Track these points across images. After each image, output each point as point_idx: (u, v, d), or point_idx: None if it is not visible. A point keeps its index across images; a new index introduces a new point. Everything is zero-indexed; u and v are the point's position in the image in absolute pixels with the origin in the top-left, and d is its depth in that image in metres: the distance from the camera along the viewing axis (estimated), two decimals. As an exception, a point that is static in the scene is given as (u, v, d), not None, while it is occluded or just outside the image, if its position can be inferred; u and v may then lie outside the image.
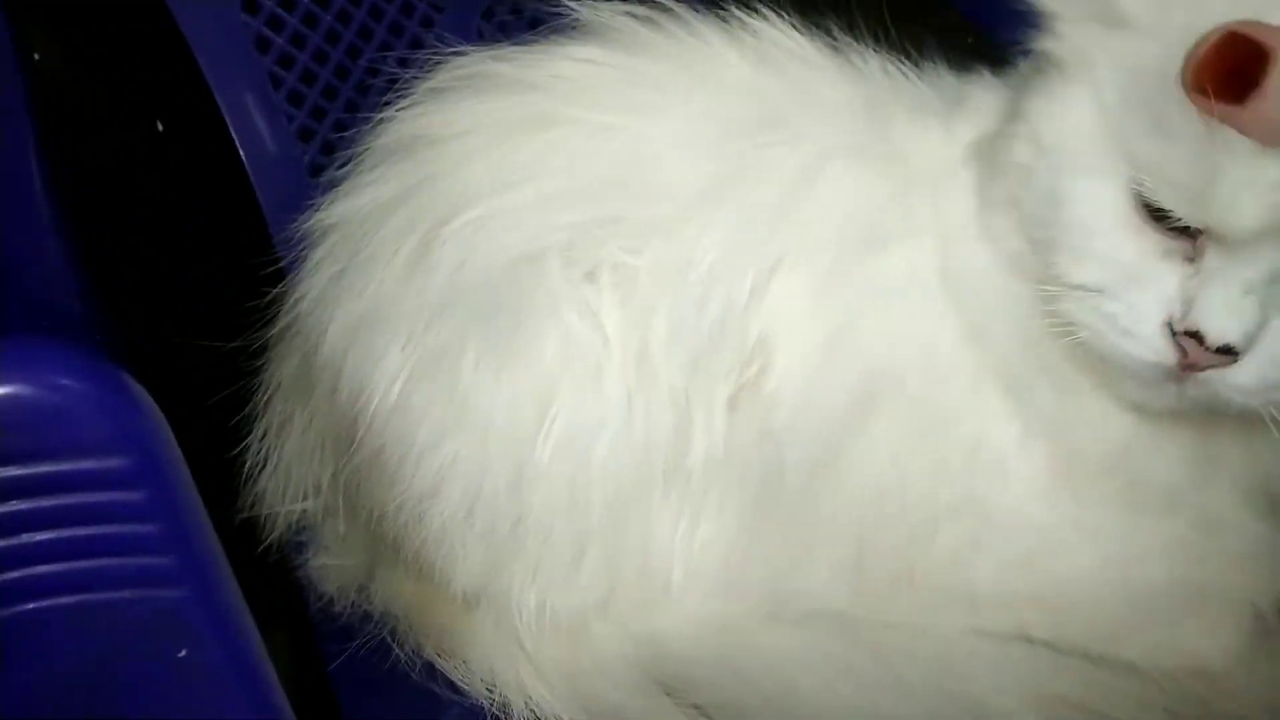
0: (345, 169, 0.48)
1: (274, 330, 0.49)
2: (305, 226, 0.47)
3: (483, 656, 0.44)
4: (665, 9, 0.45)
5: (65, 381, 0.23)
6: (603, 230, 0.40)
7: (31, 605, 0.24)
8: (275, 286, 0.50)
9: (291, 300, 0.48)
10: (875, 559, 0.40)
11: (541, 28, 0.64)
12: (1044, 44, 0.37)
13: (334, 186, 0.48)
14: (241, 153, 0.57)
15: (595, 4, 0.46)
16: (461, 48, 0.58)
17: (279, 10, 0.58)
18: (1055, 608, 0.39)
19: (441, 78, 0.47)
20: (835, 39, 0.46)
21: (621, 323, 0.40)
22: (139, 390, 0.25)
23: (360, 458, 0.43)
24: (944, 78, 0.45)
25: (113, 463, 0.24)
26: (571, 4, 0.47)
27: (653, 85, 0.44)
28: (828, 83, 0.44)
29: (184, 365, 0.56)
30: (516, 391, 0.40)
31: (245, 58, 0.57)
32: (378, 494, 0.43)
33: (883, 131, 0.42)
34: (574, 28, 0.47)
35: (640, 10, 0.45)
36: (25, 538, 0.23)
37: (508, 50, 0.47)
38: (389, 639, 0.44)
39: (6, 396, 0.23)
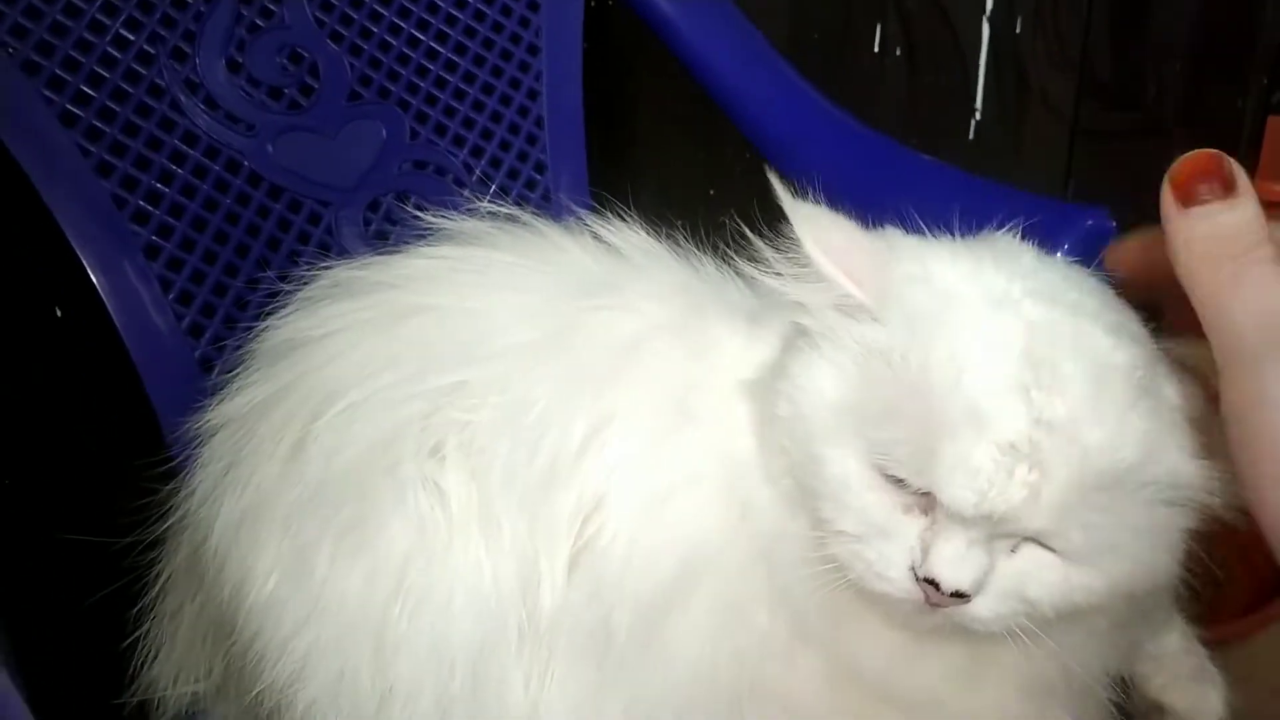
0: (231, 372, 0.52)
1: (167, 524, 0.53)
2: (196, 425, 0.51)
3: None
4: (513, 218, 0.51)
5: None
6: (449, 398, 0.44)
7: None
8: (168, 482, 0.53)
9: (183, 495, 0.51)
10: None
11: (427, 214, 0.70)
12: (796, 317, 0.41)
13: (221, 388, 0.52)
14: (130, 349, 0.60)
15: (452, 214, 0.52)
16: (344, 245, 0.64)
17: (167, 218, 0.63)
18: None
19: (310, 288, 0.52)
20: (678, 243, 0.51)
21: (465, 483, 0.44)
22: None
23: (238, 646, 0.47)
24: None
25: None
26: (430, 217, 0.52)
27: (498, 270, 0.49)
28: (659, 268, 0.49)
29: (75, 560, 0.59)
30: (371, 574, 0.43)
31: (132, 259, 0.61)
32: (254, 681, 0.46)
33: (701, 324, 0.47)
34: (432, 234, 0.52)
35: (491, 218, 0.51)
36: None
37: (367, 259, 0.52)
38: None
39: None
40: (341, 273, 0.52)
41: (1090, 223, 0.61)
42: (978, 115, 1.21)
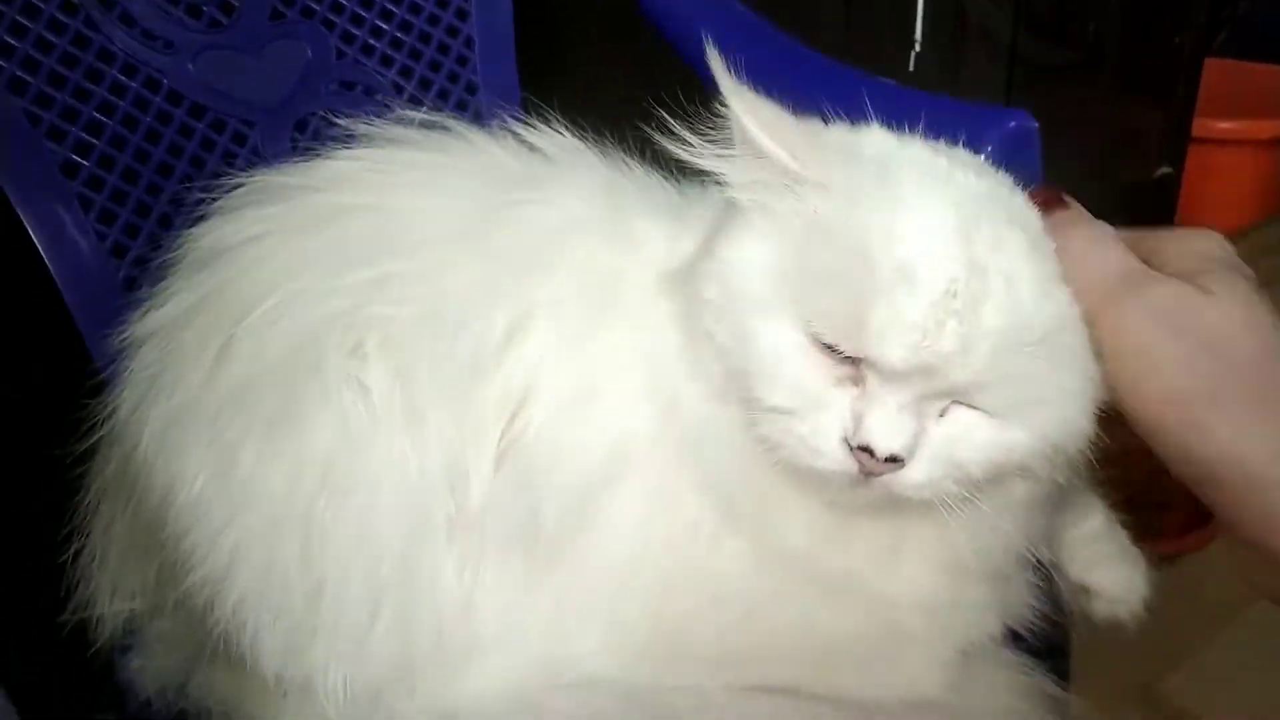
0: (155, 285, 0.52)
1: (95, 438, 0.52)
2: (120, 339, 0.51)
3: None
4: (435, 123, 0.51)
5: None
6: (369, 293, 0.45)
7: None
8: (94, 398, 0.53)
9: (110, 407, 0.51)
10: (627, 625, 0.45)
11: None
12: (725, 193, 0.42)
13: (144, 301, 0.51)
14: (54, 271, 0.59)
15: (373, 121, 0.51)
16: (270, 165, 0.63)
17: (85, 136, 0.61)
18: (770, 660, 0.45)
19: (230, 196, 0.51)
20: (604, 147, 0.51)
21: (388, 378, 0.44)
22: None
23: (169, 552, 0.46)
24: (684, 185, 0.50)
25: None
26: (355, 122, 0.51)
27: (418, 170, 0.49)
28: (584, 166, 0.49)
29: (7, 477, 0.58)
30: (296, 469, 0.43)
31: (50, 177, 0.60)
32: (184, 583, 0.46)
33: (625, 219, 0.47)
34: (351, 138, 0.51)
35: (412, 123, 0.51)
36: None
37: (287, 165, 0.51)
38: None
39: None
40: (261, 179, 0.51)
41: (1013, 124, 0.61)
42: (917, 47, 1.21)
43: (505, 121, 0.51)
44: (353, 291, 0.45)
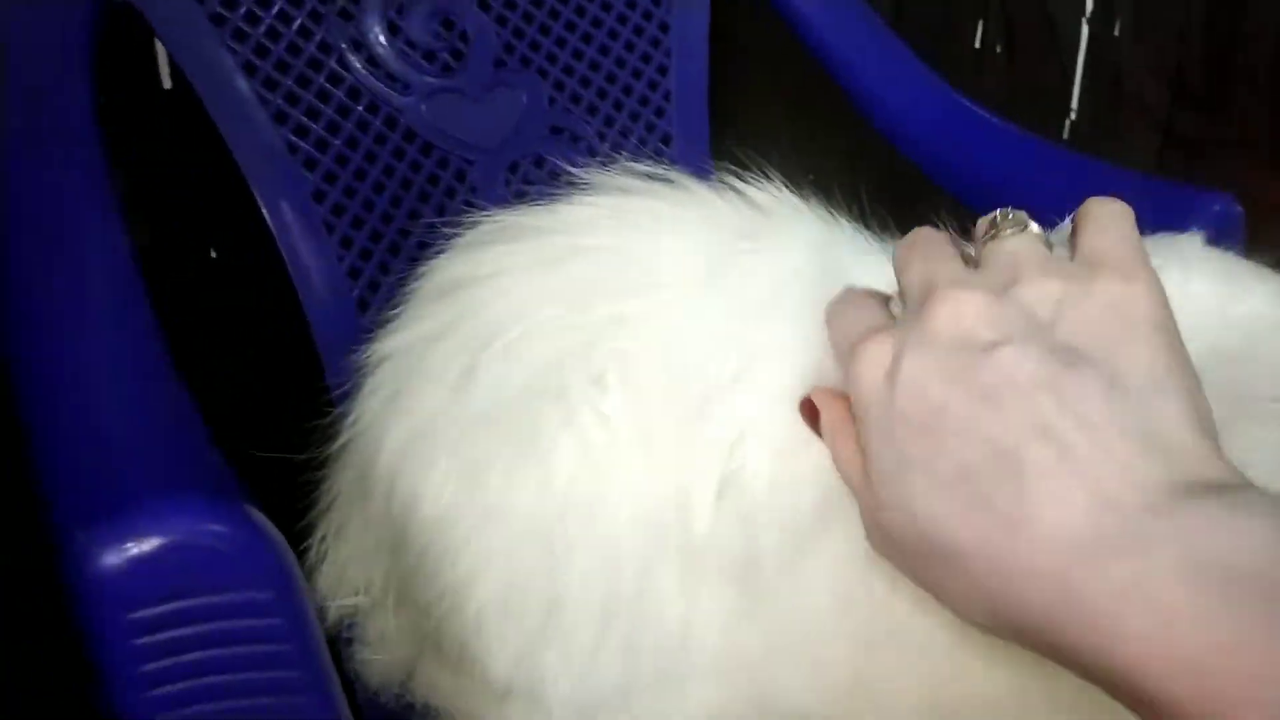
0: (394, 309, 0.56)
1: (334, 446, 0.56)
2: (361, 357, 0.55)
3: None
4: (659, 175, 0.54)
5: (218, 529, 0.30)
6: (611, 328, 0.47)
7: (189, 710, 0.30)
8: (331, 409, 0.57)
9: (350, 420, 0.55)
10: (832, 668, 0.46)
11: (561, 178, 0.74)
12: None
13: (384, 323, 0.56)
14: (299, 290, 0.64)
15: (604, 170, 0.55)
16: (485, 202, 0.67)
17: (333, 166, 0.67)
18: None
19: (472, 232, 0.55)
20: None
21: (626, 407, 0.46)
22: (273, 531, 0.32)
23: (408, 558, 0.50)
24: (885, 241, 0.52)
25: (254, 594, 0.31)
26: (578, 171, 0.55)
27: (651, 216, 0.52)
28: (798, 220, 0.51)
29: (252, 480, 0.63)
30: (541, 488, 0.46)
31: (303, 202, 0.65)
32: (423, 589, 0.49)
33: (841, 271, 0.49)
34: (583, 186, 0.55)
35: (635, 172, 0.54)
36: (189, 656, 0.30)
37: (525, 207, 0.55)
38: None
39: (171, 544, 0.30)
40: (502, 219, 0.55)
41: (1218, 208, 0.62)
42: (1073, 115, 1.22)
43: (715, 175, 0.54)
44: (593, 327, 0.48)
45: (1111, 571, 0.29)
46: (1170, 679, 0.27)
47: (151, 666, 0.29)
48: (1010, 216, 0.39)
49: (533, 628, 0.47)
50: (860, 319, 0.41)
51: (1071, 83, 1.21)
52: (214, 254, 0.79)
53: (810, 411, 0.43)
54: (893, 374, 0.35)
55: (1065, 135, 1.24)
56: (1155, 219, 0.45)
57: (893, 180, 0.78)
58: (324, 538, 0.57)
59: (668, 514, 0.46)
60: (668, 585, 0.47)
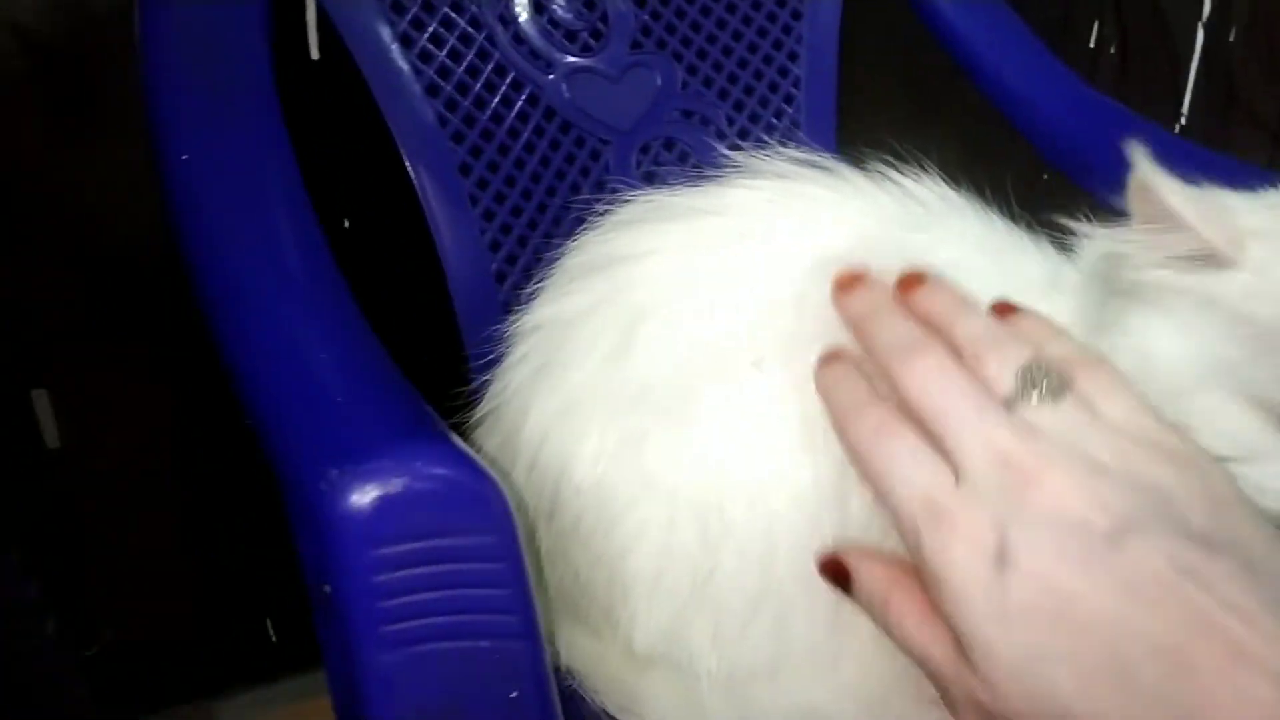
0: (537, 282, 0.57)
1: (477, 414, 0.57)
2: (506, 327, 0.56)
3: (658, 714, 0.50)
4: (815, 162, 0.54)
5: (458, 475, 0.31)
6: (770, 312, 0.48)
7: (416, 649, 0.31)
8: (471, 377, 0.58)
9: (496, 388, 0.56)
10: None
11: (689, 161, 0.75)
12: (1131, 274, 0.42)
13: (529, 295, 0.56)
14: (444, 260, 0.66)
15: (750, 151, 0.55)
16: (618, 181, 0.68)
17: (479, 141, 0.68)
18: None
19: (625, 210, 0.56)
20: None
21: (788, 390, 0.46)
22: (498, 481, 0.33)
23: (557, 524, 0.50)
24: (1045, 247, 0.52)
25: (482, 539, 0.32)
26: (728, 153, 0.55)
27: (810, 202, 0.52)
28: (957, 214, 0.52)
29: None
30: (699, 463, 0.47)
31: (450, 175, 0.67)
32: (573, 557, 0.50)
33: (1003, 266, 0.50)
34: (732, 168, 0.55)
35: (790, 157, 0.54)
36: (418, 596, 0.31)
37: (679, 188, 0.55)
38: (579, 690, 0.51)
39: (416, 488, 0.31)
40: (656, 198, 0.55)
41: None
42: (1183, 120, 1.20)
43: (870, 163, 0.54)
44: (753, 309, 0.49)
45: None
46: None
47: (389, 603, 0.30)
48: (1047, 374, 0.38)
49: (682, 602, 0.48)
50: (899, 443, 0.38)
51: (1184, 87, 1.19)
52: (347, 224, 0.81)
53: (833, 571, 0.41)
54: (1003, 560, 0.33)
55: (1173, 141, 1.22)
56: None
57: (1018, 176, 0.78)
58: None
59: (826, 501, 0.46)
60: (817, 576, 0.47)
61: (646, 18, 0.75)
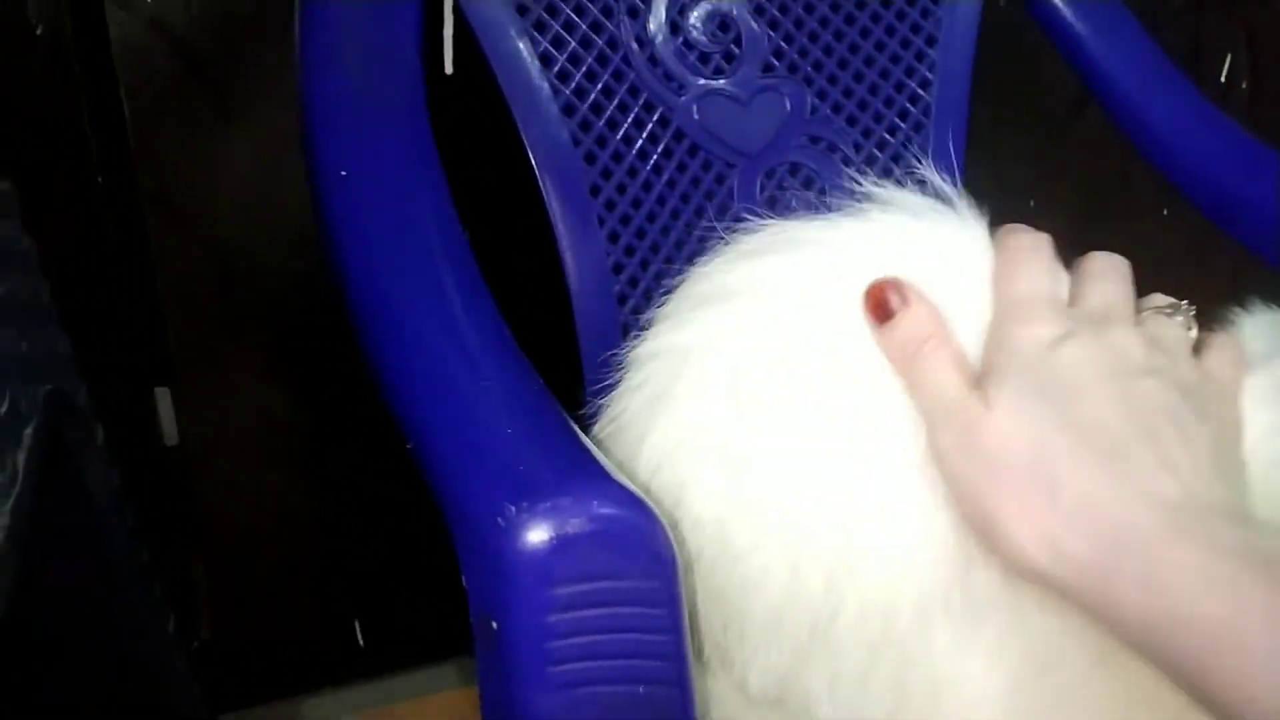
0: (658, 307, 0.56)
1: (592, 437, 0.56)
2: (625, 352, 0.55)
3: None
4: (946, 198, 0.52)
5: (631, 519, 0.31)
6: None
7: (580, 691, 0.31)
8: (590, 400, 0.57)
9: (612, 414, 0.55)
10: None
11: (814, 187, 0.74)
12: None
13: (649, 321, 0.55)
14: (570, 281, 0.65)
15: (880, 182, 0.54)
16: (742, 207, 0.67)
17: (610, 163, 0.68)
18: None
19: (749, 239, 0.54)
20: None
21: (916, 440, 0.45)
22: (663, 524, 0.32)
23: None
24: None
25: (651, 583, 0.31)
26: (860, 181, 0.54)
27: (936, 243, 0.50)
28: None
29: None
30: (821, 506, 0.46)
31: (580, 195, 0.66)
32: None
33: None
34: (861, 198, 0.54)
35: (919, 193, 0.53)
36: (587, 639, 0.31)
37: (804, 217, 0.54)
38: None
39: (592, 529, 0.30)
40: (780, 228, 0.54)
41: None
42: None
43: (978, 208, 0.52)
44: (878, 352, 0.47)
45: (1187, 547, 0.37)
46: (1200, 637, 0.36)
47: (558, 644, 0.30)
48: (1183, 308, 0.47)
49: (801, 646, 0.46)
50: (1040, 289, 0.46)
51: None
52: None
53: (876, 301, 0.46)
54: (1057, 345, 0.42)
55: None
56: None
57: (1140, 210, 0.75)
58: None
59: (952, 563, 0.45)
60: (940, 634, 0.45)
61: (780, 41, 0.74)
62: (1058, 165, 0.98)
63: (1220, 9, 1.04)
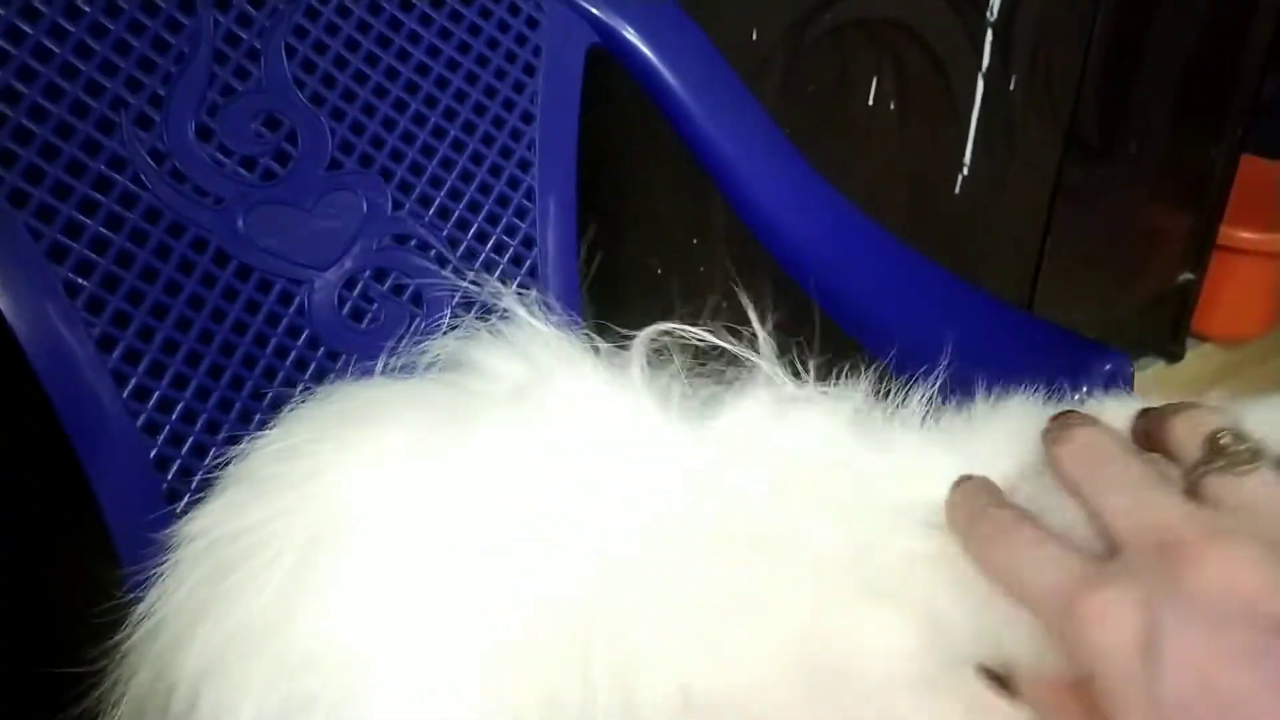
0: (208, 483, 0.48)
1: (122, 638, 0.48)
2: (164, 537, 0.47)
3: None
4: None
5: None
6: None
7: None
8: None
9: (144, 611, 0.47)
10: None
11: (405, 293, 0.66)
12: None
13: (195, 501, 0.47)
14: (79, 451, 0.55)
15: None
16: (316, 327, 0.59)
17: (124, 305, 0.57)
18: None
19: (321, 399, 0.47)
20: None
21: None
22: None
23: None
24: None
25: None
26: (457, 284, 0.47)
27: (564, 397, 0.45)
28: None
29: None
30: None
31: (84, 351, 0.56)
32: None
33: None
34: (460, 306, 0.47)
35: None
36: None
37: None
38: None
39: None
40: (359, 386, 0.47)
41: (1109, 367, 0.58)
42: (965, 171, 1.19)
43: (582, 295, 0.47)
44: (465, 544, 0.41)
45: None
46: None
47: None
48: (1242, 442, 0.32)
49: None
50: (1041, 552, 0.33)
51: (965, 138, 1.17)
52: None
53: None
54: (1152, 649, 0.29)
55: (957, 190, 1.20)
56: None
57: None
58: None
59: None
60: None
61: (346, 132, 0.65)
62: (709, 241, 0.95)
63: (860, 34, 1.03)
